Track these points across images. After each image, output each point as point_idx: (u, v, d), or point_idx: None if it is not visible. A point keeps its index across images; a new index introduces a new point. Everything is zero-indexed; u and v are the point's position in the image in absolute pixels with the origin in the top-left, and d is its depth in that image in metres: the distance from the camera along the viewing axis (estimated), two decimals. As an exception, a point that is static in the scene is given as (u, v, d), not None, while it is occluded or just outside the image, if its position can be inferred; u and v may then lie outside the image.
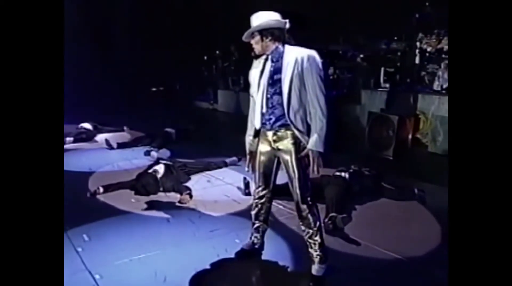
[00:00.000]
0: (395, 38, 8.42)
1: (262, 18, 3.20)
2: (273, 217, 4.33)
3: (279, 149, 3.28)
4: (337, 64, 9.04)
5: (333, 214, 4.27)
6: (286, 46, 3.25)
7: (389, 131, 7.49)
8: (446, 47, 7.41)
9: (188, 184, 5.57)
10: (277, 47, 3.23)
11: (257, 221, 3.64)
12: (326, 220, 4.22)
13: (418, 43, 7.94)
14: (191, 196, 5.08)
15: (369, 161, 6.10)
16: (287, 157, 3.25)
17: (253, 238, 3.69)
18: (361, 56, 8.83)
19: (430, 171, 6.07)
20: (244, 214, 4.51)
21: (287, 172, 3.28)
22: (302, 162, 3.21)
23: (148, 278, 3.37)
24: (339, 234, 4.13)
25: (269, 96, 3.24)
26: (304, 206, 3.27)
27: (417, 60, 7.99)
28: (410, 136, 7.37)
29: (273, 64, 3.25)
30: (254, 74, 3.37)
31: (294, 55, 3.16)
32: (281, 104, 3.17)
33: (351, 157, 6.36)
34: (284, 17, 3.28)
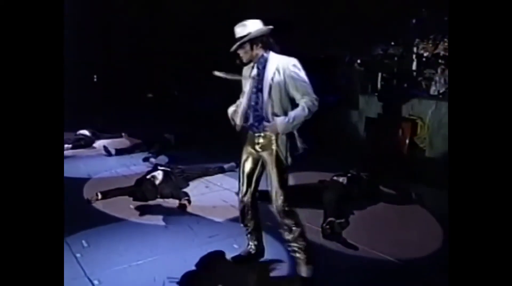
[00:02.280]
0: (392, 43, 8.43)
1: (250, 27, 3.25)
2: (272, 222, 4.35)
3: (262, 152, 3.36)
4: (334, 69, 9.08)
5: (331, 218, 4.28)
6: (270, 53, 3.31)
7: (387, 136, 7.52)
8: (442, 52, 7.44)
9: (186, 190, 5.58)
10: (263, 55, 3.30)
11: (246, 226, 3.66)
12: (324, 225, 4.24)
13: (415, 48, 7.97)
14: (189, 202, 5.09)
15: (367, 165, 6.11)
16: (268, 160, 3.31)
17: (249, 247, 3.72)
18: (358, 61, 8.86)
19: (428, 175, 6.09)
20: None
21: (268, 174, 3.35)
22: (282, 166, 3.27)
23: (147, 283, 3.38)
24: (337, 238, 4.14)
25: (253, 103, 3.33)
26: (280, 211, 3.30)
27: (414, 65, 8.02)
28: (407, 141, 7.38)
29: (258, 71, 3.32)
30: (243, 81, 3.46)
31: (275, 64, 3.24)
32: (264, 111, 3.25)
33: (348, 162, 6.38)
34: (269, 23, 3.33)
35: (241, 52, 3.30)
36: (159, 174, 5.53)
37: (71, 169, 6.65)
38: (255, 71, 3.33)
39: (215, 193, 5.70)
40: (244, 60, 3.35)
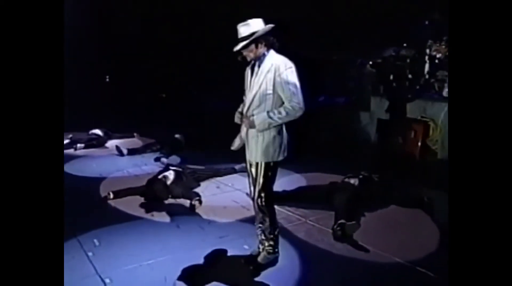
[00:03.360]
0: (405, 45, 8.40)
1: (254, 26, 3.28)
2: (281, 224, 4.35)
3: None
4: (346, 71, 9.05)
5: (342, 220, 4.26)
6: (270, 51, 3.36)
7: (399, 138, 7.48)
8: (455, 54, 7.38)
9: (197, 190, 5.59)
10: (264, 53, 3.35)
11: (260, 228, 3.66)
12: (335, 226, 4.22)
13: (427, 50, 7.92)
14: (200, 202, 5.11)
15: (378, 167, 6.09)
16: None
17: (261, 248, 3.70)
18: (370, 63, 8.82)
19: (439, 178, 6.04)
20: (253, 220, 4.51)
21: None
22: (269, 164, 3.39)
23: (157, 283, 3.40)
24: (348, 240, 4.13)
25: (252, 99, 3.41)
26: (256, 205, 3.51)
27: (426, 67, 7.97)
28: (419, 143, 7.34)
29: (257, 69, 3.38)
30: (246, 79, 3.54)
31: (270, 63, 3.30)
32: (259, 107, 3.34)
33: (360, 163, 6.36)
34: (272, 22, 3.36)
35: (245, 51, 3.33)
36: (170, 174, 5.55)
37: (83, 168, 6.73)
38: (256, 70, 3.40)
39: (226, 194, 5.71)
40: (248, 59, 3.40)
